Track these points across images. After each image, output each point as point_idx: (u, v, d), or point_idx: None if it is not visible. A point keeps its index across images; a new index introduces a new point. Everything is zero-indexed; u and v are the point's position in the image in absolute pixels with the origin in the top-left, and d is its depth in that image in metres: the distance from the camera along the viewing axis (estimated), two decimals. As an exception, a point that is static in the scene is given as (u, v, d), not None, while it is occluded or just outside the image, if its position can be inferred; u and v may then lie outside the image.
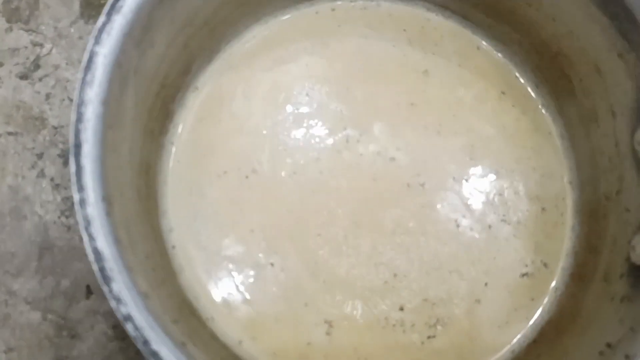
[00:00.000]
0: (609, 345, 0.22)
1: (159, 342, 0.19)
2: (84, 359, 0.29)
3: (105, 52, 0.21)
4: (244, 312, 0.27)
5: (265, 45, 0.30)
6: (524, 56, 0.30)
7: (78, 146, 0.20)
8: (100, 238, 0.20)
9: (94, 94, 0.21)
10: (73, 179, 0.20)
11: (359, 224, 0.28)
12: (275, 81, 0.29)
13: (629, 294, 0.24)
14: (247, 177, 0.28)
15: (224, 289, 0.27)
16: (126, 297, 0.19)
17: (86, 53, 0.21)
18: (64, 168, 0.31)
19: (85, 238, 0.20)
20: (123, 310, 0.19)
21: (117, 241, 0.20)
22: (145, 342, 0.19)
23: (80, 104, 0.21)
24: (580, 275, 0.27)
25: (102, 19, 0.22)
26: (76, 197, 0.20)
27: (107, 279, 0.19)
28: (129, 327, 0.19)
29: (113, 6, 0.22)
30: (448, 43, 0.31)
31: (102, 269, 0.20)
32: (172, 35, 0.25)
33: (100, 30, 0.21)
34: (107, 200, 0.20)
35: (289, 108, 0.29)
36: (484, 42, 0.31)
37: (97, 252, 0.20)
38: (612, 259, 0.26)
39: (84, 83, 0.21)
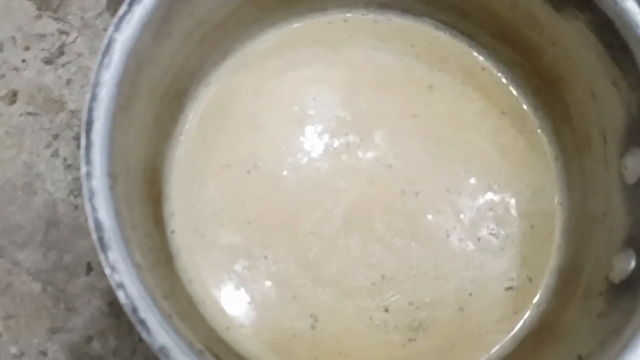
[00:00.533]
0: (579, 357, 0.23)
1: (147, 311, 0.20)
2: (78, 332, 0.30)
3: (123, 39, 0.23)
4: (234, 299, 0.28)
5: (278, 49, 0.31)
6: (526, 79, 0.31)
7: (90, 123, 0.22)
8: (102, 209, 0.21)
9: (109, 76, 0.22)
10: (82, 152, 0.21)
11: (352, 224, 0.29)
12: (285, 83, 0.31)
13: (604, 310, 0.24)
14: (248, 171, 0.29)
15: (217, 276, 0.28)
16: (120, 266, 0.21)
17: (105, 38, 0.23)
18: (78, 150, 0.33)
19: (88, 208, 0.21)
20: (116, 278, 0.21)
21: (117, 214, 0.21)
22: (135, 310, 0.20)
23: (96, 84, 0.22)
24: (563, 292, 0.28)
25: (123, 8, 0.23)
26: (83, 169, 0.21)
27: (104, 248, 0.21)
28: (120, 295, 0.20)
29: (135, -3, 0.23)
30: (454, 61, 0.32)
31: (100, 238, 0.21)
32: (189, 30, 0.27)
33: (121, 19, 0.23)
34: (112, 175, 0.22)
35: (296, 110, 0.30)
36: (488, 63, 0.32)
37: (97, 222, 0.21)
38: (594, 278, 0.26)
39: (101, 65, 0.22)
